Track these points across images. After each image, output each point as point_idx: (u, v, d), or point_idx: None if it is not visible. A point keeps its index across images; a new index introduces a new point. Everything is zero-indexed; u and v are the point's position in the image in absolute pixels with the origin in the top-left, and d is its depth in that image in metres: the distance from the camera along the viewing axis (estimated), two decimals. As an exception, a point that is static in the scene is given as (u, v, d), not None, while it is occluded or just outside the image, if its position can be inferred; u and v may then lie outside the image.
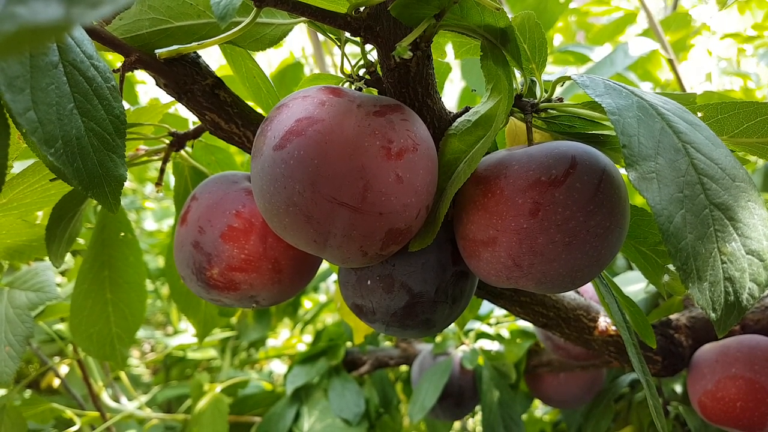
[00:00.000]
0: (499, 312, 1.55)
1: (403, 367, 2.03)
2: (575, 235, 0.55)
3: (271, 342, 2.46)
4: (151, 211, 2.64)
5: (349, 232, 0.56)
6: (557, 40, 2.53)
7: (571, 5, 2.31)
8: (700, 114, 0.58)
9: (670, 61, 1.54)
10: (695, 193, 0.45)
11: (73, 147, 0.46)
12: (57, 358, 1.79)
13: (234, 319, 2.29)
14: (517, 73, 0.68)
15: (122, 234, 0.96)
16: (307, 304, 2.38)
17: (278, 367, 2.40)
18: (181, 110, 1.47)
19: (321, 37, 2.81)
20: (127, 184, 2.47)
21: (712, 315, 0.45)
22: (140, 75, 2.37)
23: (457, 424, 2.26)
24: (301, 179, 0.53)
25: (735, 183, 0.47)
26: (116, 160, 0.51)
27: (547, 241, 0.56)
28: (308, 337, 2.34)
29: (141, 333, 2.17)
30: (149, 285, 2.35)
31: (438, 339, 1.51)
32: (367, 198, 0.54)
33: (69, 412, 1.44)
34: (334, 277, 1.89)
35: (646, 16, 1.70)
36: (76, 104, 0.47)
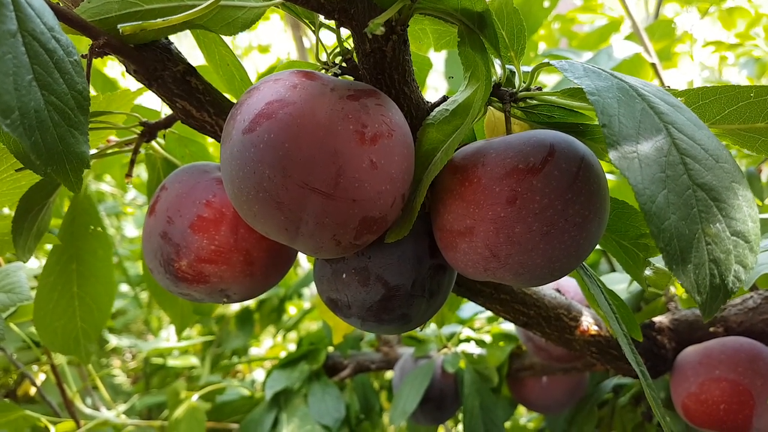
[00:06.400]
0: (484, 315, 1.53)
1: (389, 374, 2.01)
2: (553, 224, 0.54)
3: (254, 351, 2.43)
4: (131, 217, 2.60)
5: (322, 220, 0.54)
6: (540, 47, 2.53)
7: (555, 12, 2.32)
8: (681, 99, 0.56)
9: (654, 66, 1.54)
10: (677, 173, 0.44)
11: (30, 119, 0.44)
12: (35, 367, 1.75)
13: (216, 327, 2.26)
14: (497, 64, 0.66)
15: (92, 227, 0.92)
16: (291, 310, 2.35)
17: (261, 375, 2.37)
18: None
19: (306, 43, 2.81)
20: (107, 189, 2.44)
21: (698, 298, 0.43)
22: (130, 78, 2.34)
23: (440, 429, 2.23)
24: (271, 163, 0.51)
25: (718, 164, 0.46)
26: (78, 137, 0.49)
27: (524, 230, 0.54)
28: (293, 346, 2.31)
29: (122, 341, 2.12)
30: (129, 291, 2.31)
31: (420, 341, 1.48)
32: (339, 184, 0.52)
33: (44, 420, 1.40)
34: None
35: (630, 23, 1.70)
36: (35, 76, 0.45)
